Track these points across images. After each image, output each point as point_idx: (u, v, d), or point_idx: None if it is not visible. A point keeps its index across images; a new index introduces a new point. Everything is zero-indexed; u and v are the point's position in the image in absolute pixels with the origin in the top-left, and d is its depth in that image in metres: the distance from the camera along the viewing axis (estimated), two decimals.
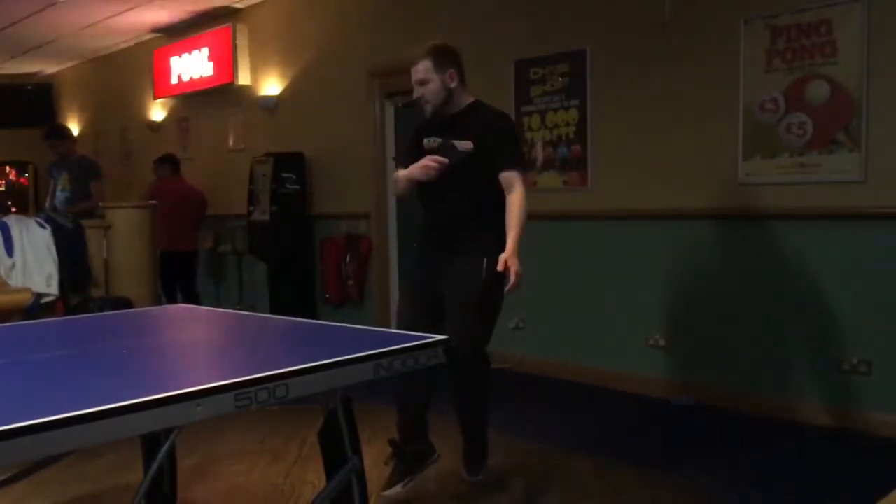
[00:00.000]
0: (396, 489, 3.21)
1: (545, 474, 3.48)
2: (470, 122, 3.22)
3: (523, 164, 3.30)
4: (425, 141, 3.30)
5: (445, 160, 3.10)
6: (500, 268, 3.07)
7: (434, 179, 3.15)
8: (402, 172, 3.31)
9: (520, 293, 3.41)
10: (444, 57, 3.24)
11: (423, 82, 3.19)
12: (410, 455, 3.26)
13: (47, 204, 6.90)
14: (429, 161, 3.13)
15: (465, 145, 3.16)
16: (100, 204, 6.43)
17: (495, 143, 3.18)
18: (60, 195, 6.67)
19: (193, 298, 7.39)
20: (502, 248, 3.10)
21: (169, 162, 7.68)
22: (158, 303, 6.23)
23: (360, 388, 2.09)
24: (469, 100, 3.31)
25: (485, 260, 3.14)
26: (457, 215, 3.22)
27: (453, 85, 3.23)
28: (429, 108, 3.25)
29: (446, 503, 3.23)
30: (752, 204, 4.30)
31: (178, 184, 7.62)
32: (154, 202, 6.76)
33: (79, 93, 10.96)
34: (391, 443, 3.28)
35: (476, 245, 3.19)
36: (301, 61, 7.27)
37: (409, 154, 3.37)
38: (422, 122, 3.42)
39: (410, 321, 3.18)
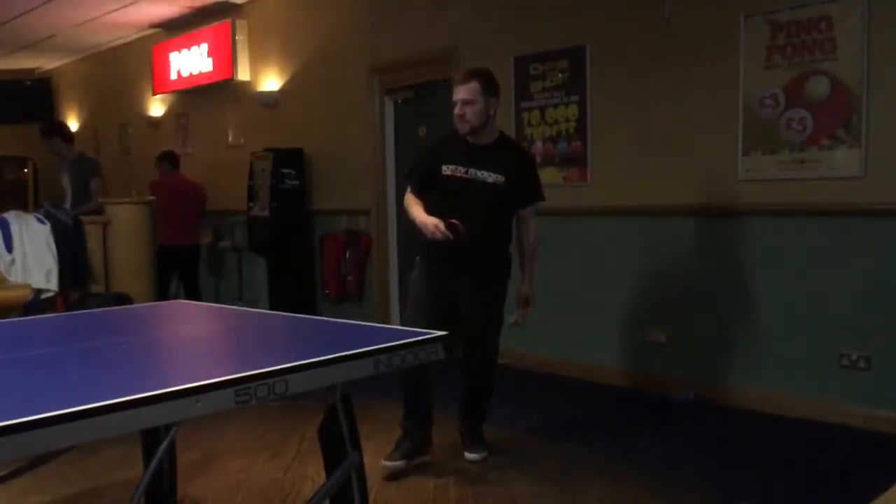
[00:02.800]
0: (399, 463, 3.41)
1: (545, 470, 3.48)
2: (502, 158, 3.44)
3: (542, 200, 3.60)
4: (445, 168, 3.43)
5: (450, 236, 3.28)
6: (524, 308, 3.55)
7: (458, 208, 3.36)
8: (416, 217, 3.42)
9: (520, 290, 3.67)
10: (492, 85, 3.43)
11: (468, 102, 3.34)
12: (419, 439, 3.51)
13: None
14: (438, 231, 3.28)
15: (496, 179, 3.40)
16: (100, 201, 6.39)
17: (524, 181, 3.49)
18: (67, 199, 6.61)
19: (196, 293, 7.40)
20: (510, 268, 3.55)
21: (168, 159, 7.77)
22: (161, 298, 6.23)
23: (359, 384, 2.10)
24: (496, 133, 3.50)
25: (502, 285, 3.54)
26: (478, 240, 3.37)
27: (492, 113, 3.42)
28: (466, 128, 3.40)
29: (448, 489, 3.23)
30: (752, 200, 4.30)
31: (178, 179, 7.67)
32: (154, 198, 6.78)
33: (78, 88, 10.95)
34: (404, 424, 3.53)
35: (494, 274, 3.51)
36: (300, 57, 7.26)
37: (426, 172, 3.51)
38: (444, 144, 3.55)
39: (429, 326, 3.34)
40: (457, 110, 3.37)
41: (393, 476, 3.37)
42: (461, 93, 3.35)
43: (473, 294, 3.48)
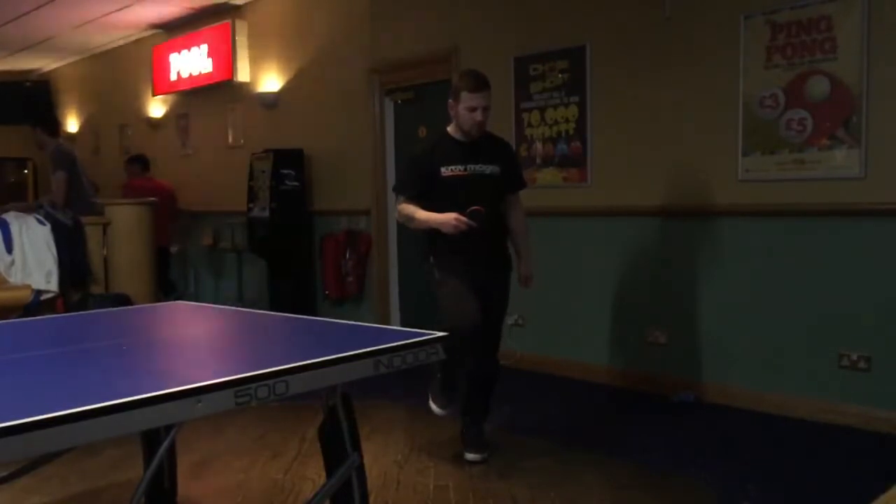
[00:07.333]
0: (446, 410, 3.71)
1: (545, 469, 3.48)
2: (492, 149, 3.65)
3: (525, 186, 3.84)
4: (444, 169, 3.53)
5: (474, 224, 3.38)
6: (528, 285, 3.73)
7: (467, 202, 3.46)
8: (431, 219, 3.48)
9: (519, 290, 3.80)
10: None
11: (488, 108, 3.54)
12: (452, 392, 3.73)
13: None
14: (459, 223, 3.37)
15: (493, 170, 3.58)
16: (60, 195, 5.96)
17: (512, 168, 3.72)
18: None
19: (168, 286, 7.46)
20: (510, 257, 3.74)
21: (139, 161, 7.92)
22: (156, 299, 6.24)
23: (360, 385, 2.10)
24: None
25: (509, 276, 3.72)
26: (487, 230, 3.50)
27: None
28: (481, 131, 3.57)
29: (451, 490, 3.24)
30: (752, 200, 4.30)
31: (148, 182, 7.81)
32: (154, 199, 6.78)
33: (78, 89, 10.95)
34: (447, 382, 3.67)
35: (506, 261, 3.69)
36: (300, 57, 7.26)
37: (423, 177, 3.57)
38: (434, 147, 3.63)
39: (478, 315, 3.45)
40: (477, 116, 3.49)
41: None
42: (483, 100, 3.49)
43: (493, 285, 3.61)
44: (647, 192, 4.74)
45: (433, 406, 3.71)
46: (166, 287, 7.55)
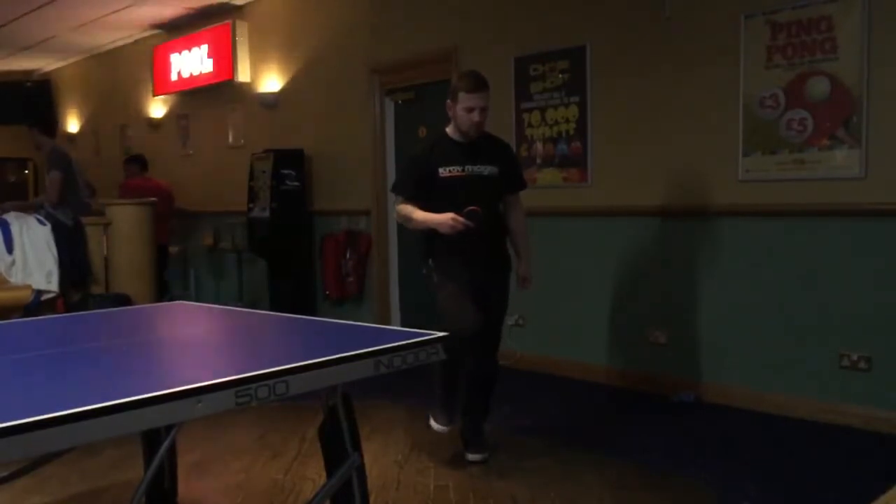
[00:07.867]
0: (448, 427, 3.71)
1: (546, 471, 3.48)
2: (491, 150, 3.65)
3: (525, 187, 3.84)
4: (442, 170, 3.54)
5: (471, 224, 3.38)
6: (527, 286, 3.72)
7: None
8: (429, 219, 3.49)
9: (519, 290, 3.79)
10: None
11: (486, 109, 3.53)
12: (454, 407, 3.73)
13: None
14: (456, 223, 3.37)
15: (491, 171, 3.58)
16: (54, 195, 5.93)
17: (511, 169, 3.71)
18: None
19: (162, 286, 7.49)
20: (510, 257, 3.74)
21: (138, 161, 7.96)
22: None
23: (360, 385, 2.10)
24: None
25: (509, 276, 3.70)
26: (485, 231, 3.50)
27: None
28: (480, 132, 3.57)
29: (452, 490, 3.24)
30: (752, 201, 4.30)
31: (147, 181, 7.87)
32: (154, 199, 6.79)
33: (78, 90, 10.95)
34: (445, 396, 3.69)
35: (505, 262, 3.69)
36: (301, 58, 7.26)
37: (422, 179, 3.57)
38: (433, 148, 3.64)
39: (478, 316, 3.46)
40: (475, 117, 3.49)
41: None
42: (481, 101, 3.49)
43: (492, 286, 3.61)
44: (647, 192, 4.74)
45: (435, 425, 3.71)
46: (161, 287, 7.57)
